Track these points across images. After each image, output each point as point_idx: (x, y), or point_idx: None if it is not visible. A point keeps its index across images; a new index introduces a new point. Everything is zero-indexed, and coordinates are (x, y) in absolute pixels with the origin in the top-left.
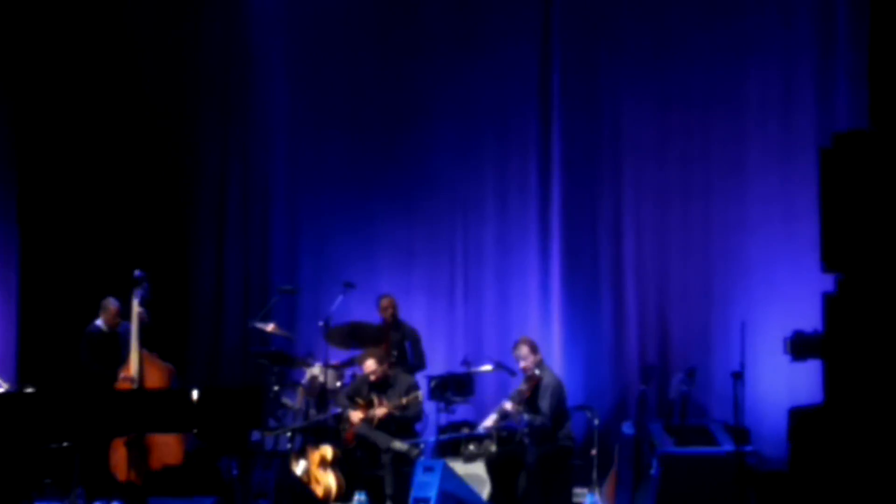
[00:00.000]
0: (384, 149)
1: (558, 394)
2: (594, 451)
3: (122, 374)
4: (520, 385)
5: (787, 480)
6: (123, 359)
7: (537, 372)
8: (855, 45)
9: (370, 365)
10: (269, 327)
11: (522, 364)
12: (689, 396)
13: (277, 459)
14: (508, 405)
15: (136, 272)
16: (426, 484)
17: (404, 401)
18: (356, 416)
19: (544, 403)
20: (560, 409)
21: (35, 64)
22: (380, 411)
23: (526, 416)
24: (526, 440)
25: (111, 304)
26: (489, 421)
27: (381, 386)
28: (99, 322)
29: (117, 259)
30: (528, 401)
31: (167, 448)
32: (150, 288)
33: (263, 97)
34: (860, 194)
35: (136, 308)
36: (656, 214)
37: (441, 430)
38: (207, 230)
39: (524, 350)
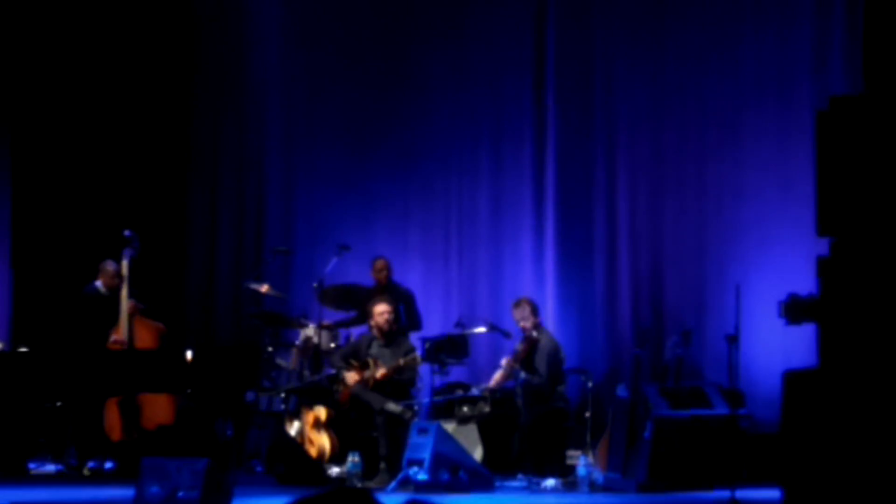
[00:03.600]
0: (379, 111)
1: (555, 356)
2: (588, 414)
3: (112, 337)
4: (517, 345)
5: (779, 443)
6: (118, 319)
7: (535, 334)
8: (851, 7)
9: (381, 307)
10: (263, 288)
11: (521, 324)
12: (683, 359)
13: (271, 420)
14: (504, 361)
15: (126, 231)
16: (420, 445)
17: (402, 362)
18: (351, 377)
19: (541, 365)
20: (556, 371)
21: (30, 29)
22: (379, 372)
23: (523, 375)
24: (519, 401)
25: (110, 266)
26: (496, 377)
27: (386, 342)
28: (98, 283)
29: (110, 220)
30: (525, 361)
31: (159, 407)
32: (139, 247)
33: (258, 59)
34: (856, 158)
35: (125, 268)
36: (651, 178)
37: (435, 391)
38: (201, 190)
39: (525, 310)
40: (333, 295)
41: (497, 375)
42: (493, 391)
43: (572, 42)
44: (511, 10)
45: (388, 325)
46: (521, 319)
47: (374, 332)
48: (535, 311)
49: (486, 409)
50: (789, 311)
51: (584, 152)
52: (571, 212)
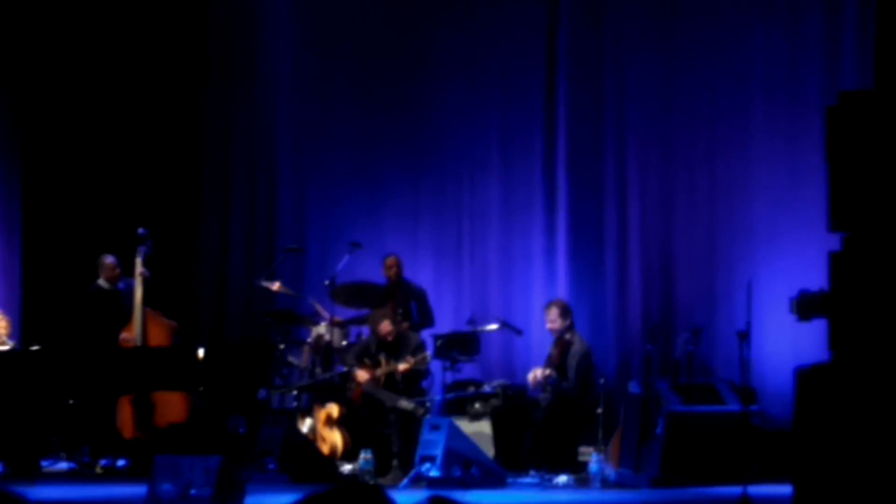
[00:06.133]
0: (390, 108)
1: (586, 362)
2: (600, 410)
3: (122, 334)
4: (550, 348)
5: (791, 439)
6: (127, 315)
7: (567, 336)
8: (862, 2)
9: (386, 326)
10: (275, 286)
11: (549, 325)
12: (694, 355)
13: (284, 417)
14: (538, 374)
15: (139, 230)
16: (432, 442)
17: (412, 361)
18: (363, 375)
19: (571, 371)
20: (586, 377)
21: (39, 28)
22: (402, 366)
23: (555, 374)
24: (539, 396)
25: (107, 259)
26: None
27: (391, 346)
28: (100, 281)
29: (122, 219)
30: (559, 366)
31: (172, 405)
32: (152, 245)
33: (269, 56)
34: (866, 153)
35: (139, 266)
36: (661, 174)
37: (447, 388)
38: (213, 189)
39: (554, 312)
40: (345, 292)
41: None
42: (507, 387)
43: (583, 40)
44: (523, 9)
45: (392, 340)
46: (549, 321)
47: None
48: (564, 313)
49: (499, 405)
50: (800, 307)
51: (595, 150)
52: (582, 209)
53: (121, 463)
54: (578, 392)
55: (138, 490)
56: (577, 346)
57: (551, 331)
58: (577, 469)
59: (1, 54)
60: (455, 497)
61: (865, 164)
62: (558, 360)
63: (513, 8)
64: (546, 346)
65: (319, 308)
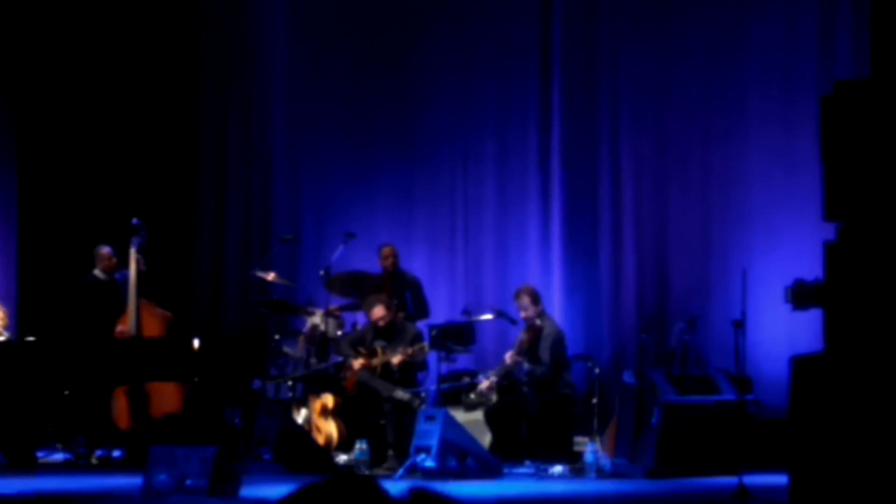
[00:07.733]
0: (385, 99)
1: (558, 343)
2: (595, 400)
3: (118, 326)
4: (520, 334)
5: (787, 428)
6: (123, 306)
7: (538, 321)
8: None
9: (379, 311)
10: (270, 276)
11: (523, 313)
12: (689, 345)
13: (279, 408)
14: (508, 357)
15: (134, 220)
16: (428, 433)
17: (410, 351)
18: (358, 364)
19: (545, 353)
20: (560, 358)
21: (34, 20)
22: (396, 359)
23: (526, 366)
24: (526, 389)
25: (103, 249)
26: (485, 384)
27: (387, 334)
28: (96, 271)
29: (118, 209)
30: (529, 350)
31: (167, 396)
32: (146, 235)
33: (264, 48)
34: (861, 142)
35: (133, 256)
36: (656, 164)
37: (442, 379)
38: (209, 179)
39: (526, 299)
40: (340, 282)
41: (486, 383)
42: (489, 391)
43: (578, 28)
44: None
45: (385, 325)
46: (522, 309)
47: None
48: (535, 299)
49: (494, 397)
50: (795, 296)
51: (590, 139)
52: (577, 198)
53: (116, 454)
54: (553, 373)
55: (134, 481)
56: (549, 330)
57: (525, 319)
58: (573, 459)
59: None
60: (439, 489)
61: (860, 154)
62: (528, 345)
63: None
64: None
65: (313, 310)
